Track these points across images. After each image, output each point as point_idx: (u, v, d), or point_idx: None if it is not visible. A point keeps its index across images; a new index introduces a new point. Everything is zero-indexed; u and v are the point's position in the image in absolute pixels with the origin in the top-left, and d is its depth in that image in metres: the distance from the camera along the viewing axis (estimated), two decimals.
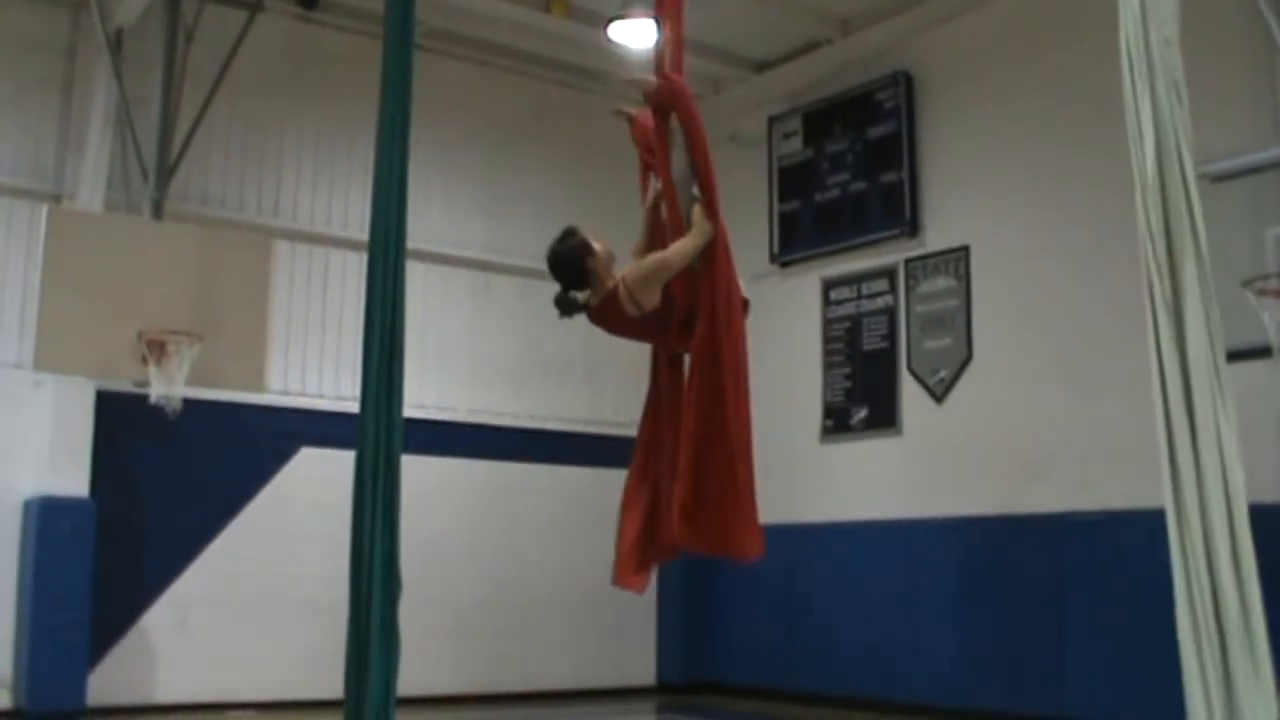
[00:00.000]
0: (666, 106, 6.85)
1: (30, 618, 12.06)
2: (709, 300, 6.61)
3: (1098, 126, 12.44)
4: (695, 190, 6.82)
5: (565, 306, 6.96)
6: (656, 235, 7.00)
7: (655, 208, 7.06)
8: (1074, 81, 12.75)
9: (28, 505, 12.45)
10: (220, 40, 12.85)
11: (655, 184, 7.09)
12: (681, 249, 6.63)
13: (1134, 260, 11.97)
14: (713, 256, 6.65)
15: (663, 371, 7.16)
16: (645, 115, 7.20)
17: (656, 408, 7.15)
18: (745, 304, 6.89)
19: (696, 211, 6.74)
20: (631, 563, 6.88)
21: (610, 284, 6.73)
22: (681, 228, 6.71)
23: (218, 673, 13.12)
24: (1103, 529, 11.94)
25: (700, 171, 6.78)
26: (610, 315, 6.85)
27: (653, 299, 6.64)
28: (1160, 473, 5.56)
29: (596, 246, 6.81)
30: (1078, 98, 12.68)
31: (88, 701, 12.23)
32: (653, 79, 6.90)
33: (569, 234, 6.92)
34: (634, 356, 16.14)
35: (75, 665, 12.15)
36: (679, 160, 6.87)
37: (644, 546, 6.88)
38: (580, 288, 6.86)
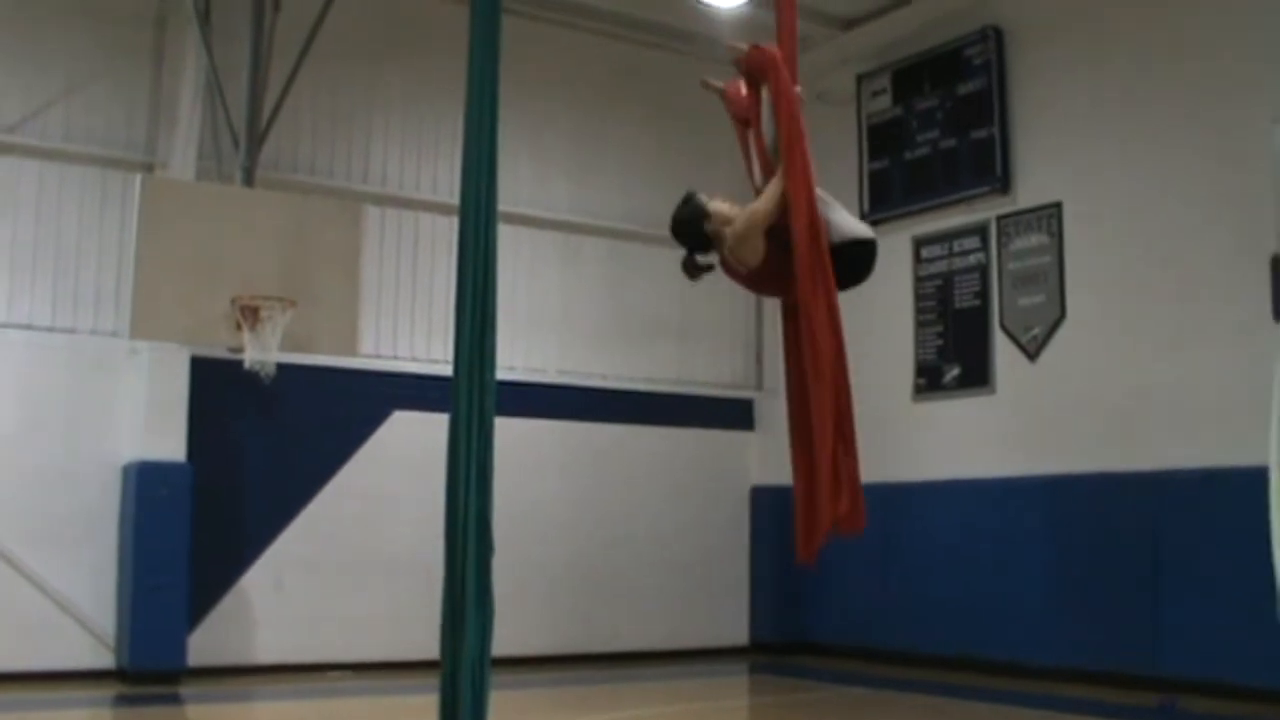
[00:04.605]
0: (757, 75, 6.72)
1: (131, 580, 12.28)
2: (796, 254, 6.48)
3: (1192, 79, 12.31)
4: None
5: (690, 270, 6.87)
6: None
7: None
8: (1168, 34, 12.57)
9: (126, 470, 12.65)
10: (307, 7, 12.89)
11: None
12: (764, 199, 6.52)
13: (1228, 216, 11.91)
14: (787, 210, 6.49)
15: (788, 326, 6.85)
16: (734, 85, 7.13)
17: (788, 365, 6.94)
18: (865, 246, 6.73)
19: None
20: (802, 535, 6.63)
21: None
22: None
23: (314, 634, 13.32)
24: (1198, 487, 11.81)
25: (781, 135, 6.62)
26: (732, 274, 6.79)
27: (754, 254, 6.52)
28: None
29: (713, 208, 6.70)
30: (1172, 50, 12.49)
31: (188, 662, 12.44)
32: (743, 46, 6.79)
33: (686, 199, 6.81)
34: (725, 317, 16.25)
35: (175, 626, 12.36)
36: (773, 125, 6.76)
37: (808, 519, 6.63)
38: (704, 250, 6.77)
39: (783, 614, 15.92)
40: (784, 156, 6.54)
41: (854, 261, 6.67)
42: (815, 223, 6.44)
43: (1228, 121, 11.94)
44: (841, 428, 6.34)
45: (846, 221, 6.72)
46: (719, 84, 7.22)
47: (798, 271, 6.41)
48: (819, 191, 6.60)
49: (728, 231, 6.59)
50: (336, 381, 13.59)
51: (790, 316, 6.74)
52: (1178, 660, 11.78)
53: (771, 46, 6.65)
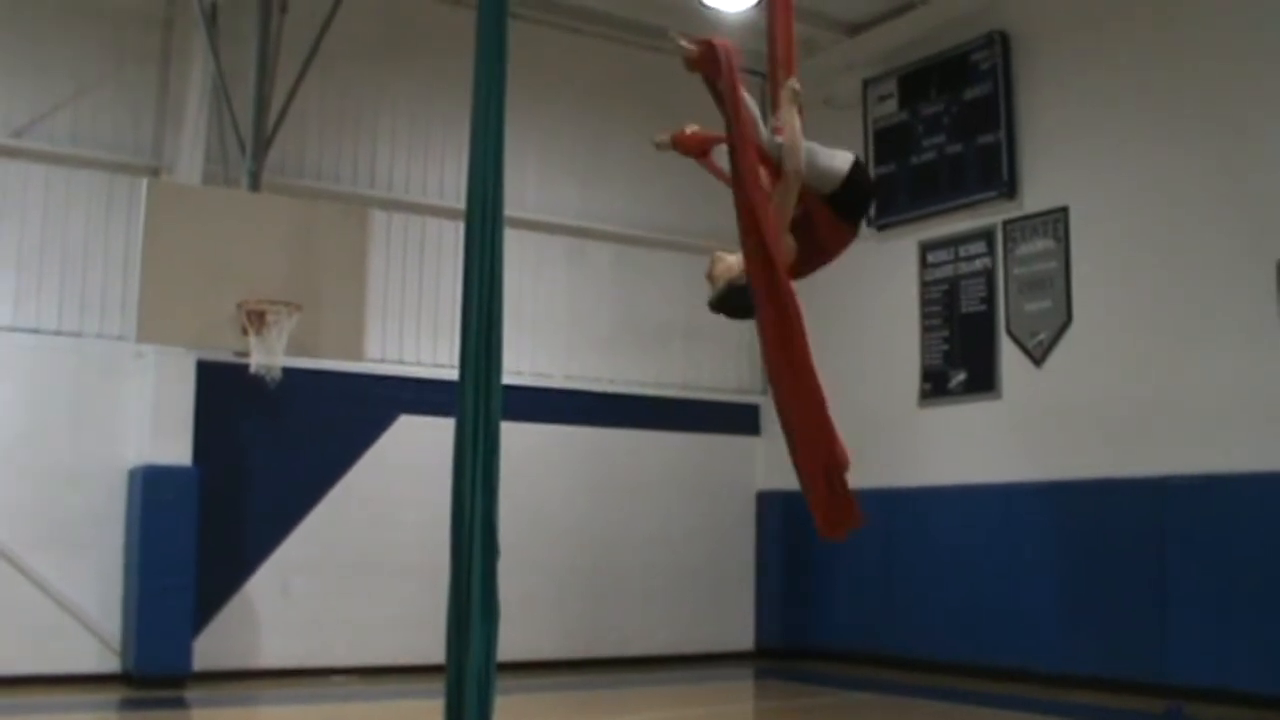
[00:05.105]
0: (710, 74, 6.33)
1: (136, 584, 12.27)
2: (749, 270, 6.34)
3: (1199, 84, 12.29)
4: (776, 138, 6.48)
5: None
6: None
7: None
8: (1175, 39, 12.54)
9: (132, 474, 12.65)
10: (314, 11, 12.90)
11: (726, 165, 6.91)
12: (778, 196, 6.38)
13: (1235, 221, 11.89)
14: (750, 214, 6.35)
15: (767, 348, 6.65)
16: (679, 133, 7.07)
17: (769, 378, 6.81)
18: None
19: (785, 151, 6.40)
20: (821, 518, 6.45)
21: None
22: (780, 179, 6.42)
23: (319, 638, 13.31)
24: (1204, 493, 11.79)
25: (730, 142, 6.41)
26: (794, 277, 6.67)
27: (789, 252, 6.38)
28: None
29: (721, 271, 6.60)
30: (1178, 55, 12.47)
31: (193, 666, 12.44)
32: (693, 46, 6.33)
33: (713, 305, 6.76)
34: (731, 322, 16.19)
35: (180, 631, 12.36)
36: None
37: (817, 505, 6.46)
38: None
39: (788, 619, 15.90)
40: (731, 163, 6.35)
41: (854, 194, 6.56)
42: (765, 242, 6.22)
43: (1235, 127, 11.92)
44: (826, 434, 6.21)
45: (830, 161, 6.51)
46: (665, 139, 7.16)
47: (755, 298, 6.24)
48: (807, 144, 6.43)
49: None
50: (342, 386, 13.60)
51: (768, 340, 6.53)
52: (1184, 666, 11.76)
53: (720, 39, 6.32)
